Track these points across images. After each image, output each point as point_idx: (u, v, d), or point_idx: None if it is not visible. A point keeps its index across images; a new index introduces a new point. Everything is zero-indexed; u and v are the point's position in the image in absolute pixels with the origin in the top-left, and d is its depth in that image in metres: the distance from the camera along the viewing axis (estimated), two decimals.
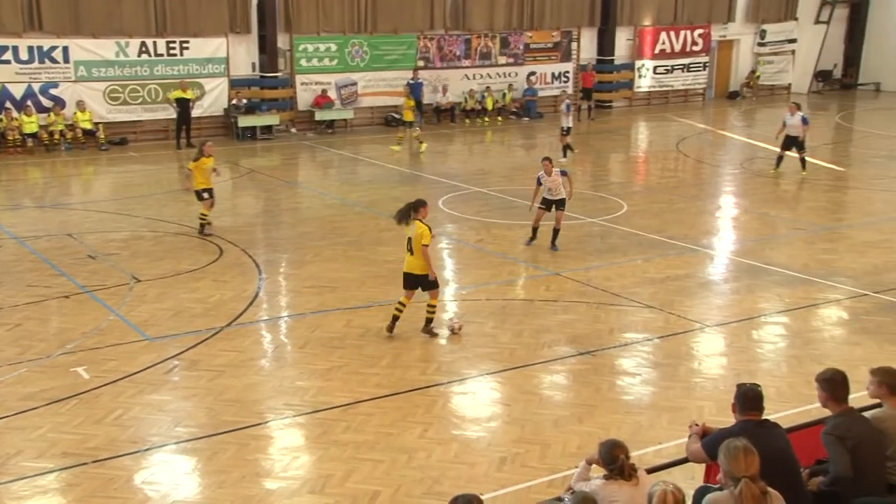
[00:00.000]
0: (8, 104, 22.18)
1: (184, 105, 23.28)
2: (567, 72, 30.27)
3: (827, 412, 5.69)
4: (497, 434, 7.98)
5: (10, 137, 22.00)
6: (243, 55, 25.24)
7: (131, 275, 12.48)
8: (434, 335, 10.25)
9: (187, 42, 24.19)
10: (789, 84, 35.16)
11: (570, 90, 29.89)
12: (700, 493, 5.13)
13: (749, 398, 5.45)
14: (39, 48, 22.48)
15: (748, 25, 33.71)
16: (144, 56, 23.73)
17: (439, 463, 7.42)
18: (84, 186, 20.36)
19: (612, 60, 30.98)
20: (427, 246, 9.80)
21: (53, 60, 22.72)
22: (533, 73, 29.43)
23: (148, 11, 23.54)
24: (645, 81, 31.93)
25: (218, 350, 9.87)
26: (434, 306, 10.26)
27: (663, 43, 31.82)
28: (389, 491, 6.99)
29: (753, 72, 34.02)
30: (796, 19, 34.47)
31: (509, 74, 29.16)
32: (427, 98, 27.30)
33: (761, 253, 13.60)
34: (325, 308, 11.22)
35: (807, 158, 19.25)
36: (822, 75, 35.79)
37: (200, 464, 7.49)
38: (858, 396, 5.96)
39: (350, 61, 26.54)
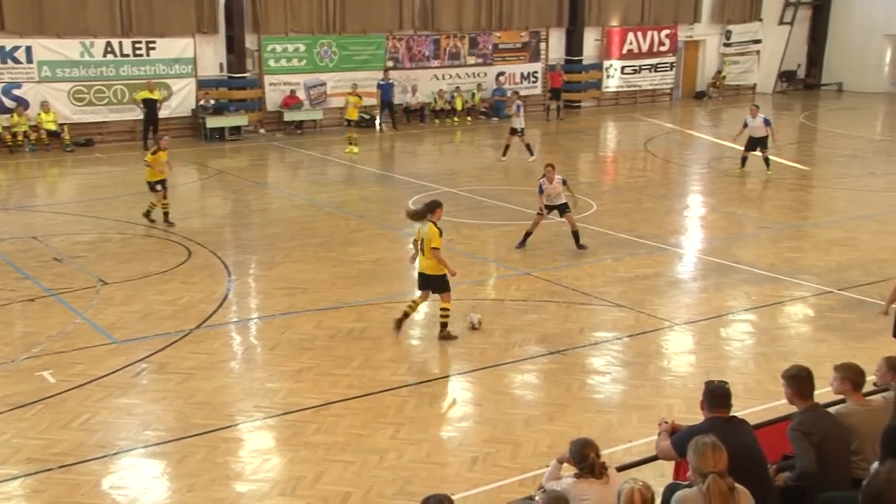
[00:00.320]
0: None
1: (151, 106, 23.03)
2: (536, 72, 30.38)
3: (793, 408, 5.77)
4: (468, 434, 7.99)
5: None
6: (211, 55, 25.04)
7: (98, 277, 12.34)
8: (452, 338, 10.06)
9: (154, 42, 23.95)
10: (755, 84, 35.58)
11: (538, 90, 30.09)
12: (669, 490, 5.18)
13: (717, 395, 5.50)
14: (2, 48, 22.15)
15: (714, 26, 34.06)
16: (110, 56, 23.46)
17: (411, 463, 7.42)
18: (49, 188, 20.09)
19: (581, 60, 31.14)
20: (437, 249, 9.79)
21: (16, 61, 22.38)
22: (502, 74, 29.50)
23: (113, 11, 23.28)
24: (613, 81, 32.14)
25: (187, 352, 9.79)
26: (447, 309, 10.07)
27: (631, 43, 32.06)
28: (361, 492, 6.97)
29: (719, 72, 34.38)
30: (761, 20, 34.88)
31: (478, 75, 29.20)
32: (397, 98, 27.24)
33: (729, 251, 13.75)
34: (296, 309, 11.17)
35: (772, 158, 19.48)
36: (786, 75, 36.26)
37: (170, 468, 7.42)
38: (823, 392, 6.05)
39: (319, 62, 26.43)
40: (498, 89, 29.17)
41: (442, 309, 10.11)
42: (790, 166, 20.63)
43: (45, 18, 22.49)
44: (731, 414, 5.52)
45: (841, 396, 5.93)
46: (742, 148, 19.88)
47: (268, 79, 25.78)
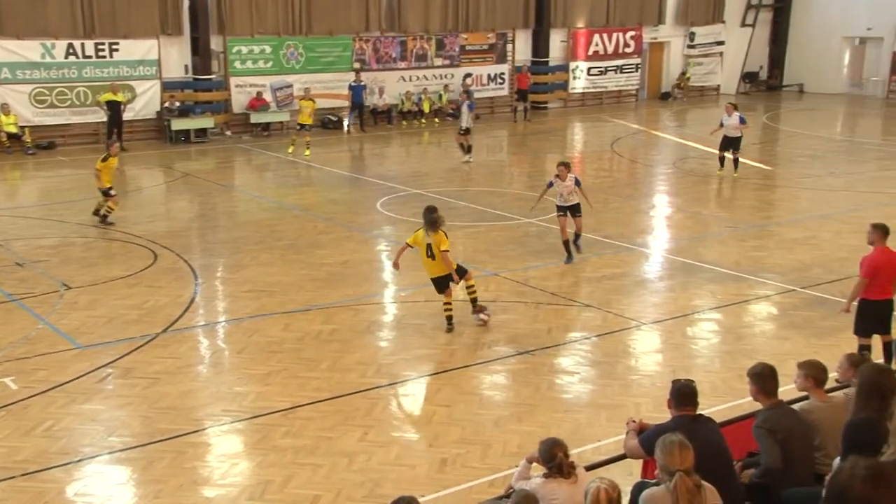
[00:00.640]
0: None
1: (115, 108, 22.75)
2: (503, 73, 30.47)
3: (758, 406, 5.84)
4: (438, 435, 7.98)
5: None
6: (176, 57, 24.79)
7: (61, 282, 12.16)
8: (484, 311, 10.61)
9: (117, 44, 23.67)
10: (718, 85, 35.98)
11: (505, 91, 30.17)
12: (637, 489, 5.22)
13: (683, 394, 5.56)
14: None
15: (678, 28, 34.41)
16: (72, 58, 23.15)
17: (380, 466, 7.41)
18: (10, 192, 19.76)
19: (547, 62, 31.30)
20: (447, 251, 10.41)
21: None
22: (469, 75, 29.54)
23: (75, 12, 22.97)
24: (579, 83, 32.33)
25: (153, 357, 9.68)
26: (473, 285, 10.73)
27: (596, 45, 32.27)
28: (330, 495, 6.94)
29: (684, 73, 34.74)
30: (723, 22, 35.30)
31: (445, 76, 29.23)
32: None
33: (694, 251, 13.89)
34: (263, 312, 11.10)
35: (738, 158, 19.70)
36: (748, 77, 36.74)
37: (136, 474, 7.34)
38: (787, 389, 6.14)
39: (285, 63, 26.30)
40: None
41: (468, 287, 10.72)
42: (754, 166, 20.89)
43: (4, 18, 22.14)
44: (698, 412, 5.58)
45: (804, 393, 6.02)
46: (717, 150, 19.95)
47: (234, 80, 25.59)
